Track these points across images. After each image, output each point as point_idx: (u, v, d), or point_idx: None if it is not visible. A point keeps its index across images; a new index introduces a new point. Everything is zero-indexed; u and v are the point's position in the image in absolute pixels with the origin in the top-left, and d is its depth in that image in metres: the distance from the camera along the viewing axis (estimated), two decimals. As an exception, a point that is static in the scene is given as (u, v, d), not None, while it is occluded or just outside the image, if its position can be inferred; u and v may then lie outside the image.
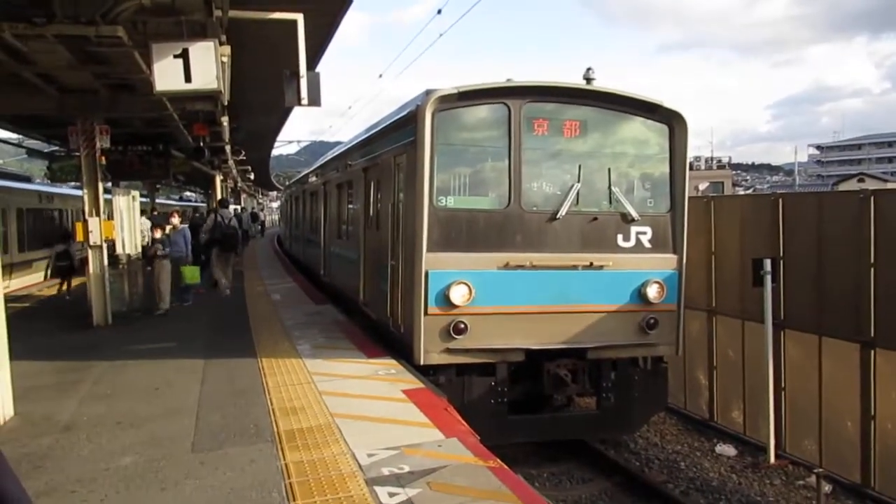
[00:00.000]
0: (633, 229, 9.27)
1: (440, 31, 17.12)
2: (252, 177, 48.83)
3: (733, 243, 11.29)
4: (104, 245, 12.95)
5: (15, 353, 7.53)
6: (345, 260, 14.32)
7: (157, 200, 33.01)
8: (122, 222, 14.76)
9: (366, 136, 12.63)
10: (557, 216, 8.94)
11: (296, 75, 8.64)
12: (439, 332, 8.66)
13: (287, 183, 42.66)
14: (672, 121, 9.47)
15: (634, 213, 9.22)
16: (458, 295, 8.58)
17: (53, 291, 17.85)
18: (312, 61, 11.81)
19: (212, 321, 13.53)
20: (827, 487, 8.88)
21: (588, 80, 9.45)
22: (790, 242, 10.22)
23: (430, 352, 8.70)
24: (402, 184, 9.57)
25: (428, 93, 8.69)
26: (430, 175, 8.61)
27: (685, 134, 9.48)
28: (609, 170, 9.25)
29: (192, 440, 6.40)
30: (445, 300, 8.58)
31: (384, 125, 10.92)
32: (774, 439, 9.76)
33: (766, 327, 9.62)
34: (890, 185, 42.04)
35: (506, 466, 5.58)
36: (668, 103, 9.39)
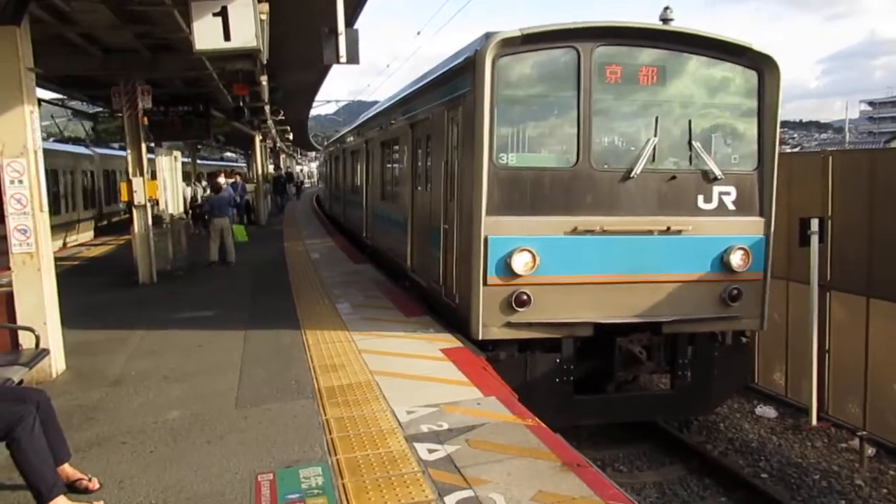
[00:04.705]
0: (716, 189, 8.34)
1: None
2: (291, 137, 49.03)
3: (779, 202, 10.97)
4: (148, 205, 13.19)
5: (65, 309, 7.75)
6: (390, 222, 13.69)
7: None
8: (165, 182, 15.00)
9: (414, 88, 11.59)
10: (631, 175, 8.04)
11: (334, 32, 8.52)
12: (500, 304, 7.91)
13: (326, 143, 42.59)
14: (762, 66, 8.39)
15: (717, 171, 8.27)
16: (521, 263, 7.82)
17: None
18: (351, 18, 11.68)
19: (253, 279, 13.75)
20: (870, 450, 8.76)
21: (665, 20, 8.54)
22: (839, 202, 9.93)
23: (490, 326, 7.97)
24: (457, 140, 8.72)
25: (488, 36, 7.76)
26: (490, 130, 7.75)
27: (777, 81, 8.39)
28: (689, 122, 8.29)
29: (235, 395, 6.56)
30: (506, 269, 7.83)
31: (436, 75, 9.89)
32: (817, 402, 9.63)
33: (812, 288, 9.41)
34: (946, 143, 40.45)
35: (543, 424, 5.61)
36: (758, 46, 8.33)
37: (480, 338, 7.99)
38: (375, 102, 21.30)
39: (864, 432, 8.95)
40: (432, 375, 6.88)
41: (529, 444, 5.18)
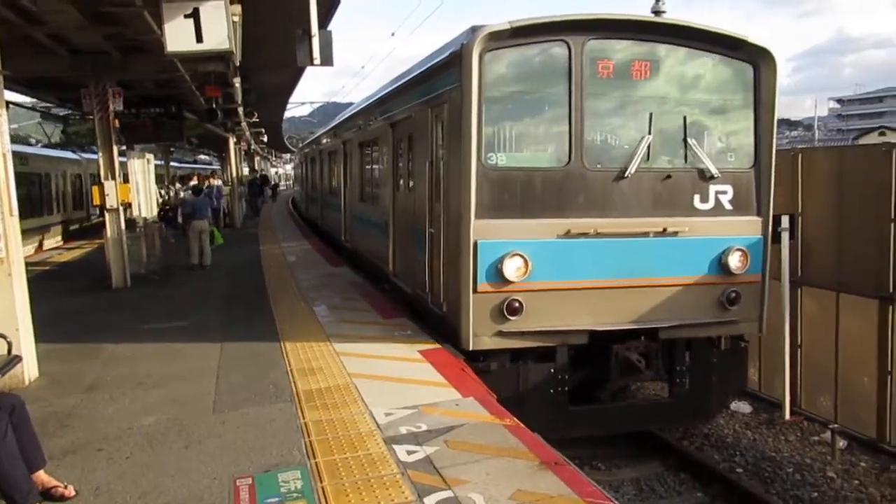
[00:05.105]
0: (713, 188, 8.01)
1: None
2: (265, 139, 48.77)
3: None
4: (121, 208, 13.05)
5: (37, 315, 7.64)
6: (370, 225, 13.25)
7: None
8: (138, 185, 14.84)
9: (395, 86, 11.06)
10: (626, 174, 7.69)
11: (307, 34, 8.50)
12: (490, 312, 7.51)
13: (301, 144, 42.24)
14: (758, 59, 8.07)
15: (714, 170, 7.92)
16: (513, 269, 7.41)
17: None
18: (324, 19, 11.66)
19: (229, 283, 13.66)
20: (842, 443, 8.93)
21: (657, 12, 8.27)
22: (809, 198, 10.11)
23: (480, 335, 7.55)
24: (443, 139, 8.34)
25: (474, 30, 7.36)
26: (478, 128, 7.36)
27: (773, 75, 8.08)
28: (684, 118, 7.96)
29: (213, 400, 6.50)
30: (497, 275, 7.41)
31: (418, 72, 9.43)
32: (790, 396, 9.79)
33: (784, 284, 9.57)
34: (912, 140, 41.38)
35: (522, 424, 5.64)
36: (754, 39, 8.02)
37: (471, 348, 7.58)
38: (350, 104, 21.16)
39: (836, 425, 9.14)
40: (411, 377, 6.88)
41: (508, 444, 5.21)
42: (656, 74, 7.92)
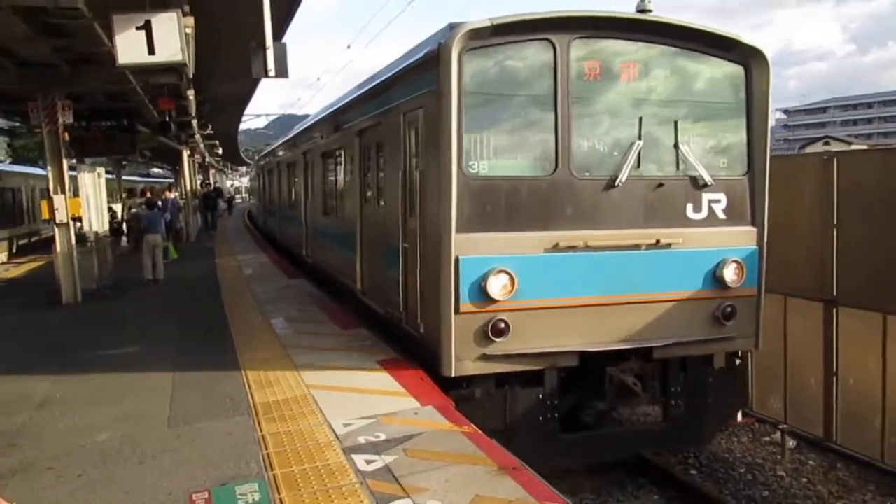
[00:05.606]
0: (706, 196, 7.58)
1: (409, -1, 16.88)
2: (220, 151, 48.22)
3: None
4: (71, 223, 12.79)
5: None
6: (334, 240, 12.61)
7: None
8: (89, 200, 14.58)
9: (361, 92, 10.31)
10: (616, 183, 7.20)
11: (262, 46, 8.50)
12: (474, 334, 6.93)
13: (257, 156, 41.75)
14: (750, 61, 7.71)
15: (707, 177, 7.49)
16: (498, 286, 6.84)
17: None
18: (279, 32, 11.65)
19: (184, 296, 13.48)
20: (791, 443, 9.18)
21: (643, 11, 7.92)
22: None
23: (463, 359, 6.96)
24: (418, 147, 7.77)
25: (452, 27, 6.79)
26: (459, 134, 6.78)
27: (766, 77, 7.71)
28: (675, 123, 7.50)
29: (167, 415, 6.42)
30: (481, 294, 6.84)
31: (389, 75, 8.75)
32: (742, 398, 10.01)
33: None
34: (854, 147, 42.80)
35: (480, 431, 5.70)
36: (747, 39, 7.66)
37: (454, 374, 6.97)
38: (307, 115, 21.01)
39: (785, 426, 9.39)
40: (369, 387, 6.88)
41: (466, 451, 5.25)
42: (645, 75, 7.47)
